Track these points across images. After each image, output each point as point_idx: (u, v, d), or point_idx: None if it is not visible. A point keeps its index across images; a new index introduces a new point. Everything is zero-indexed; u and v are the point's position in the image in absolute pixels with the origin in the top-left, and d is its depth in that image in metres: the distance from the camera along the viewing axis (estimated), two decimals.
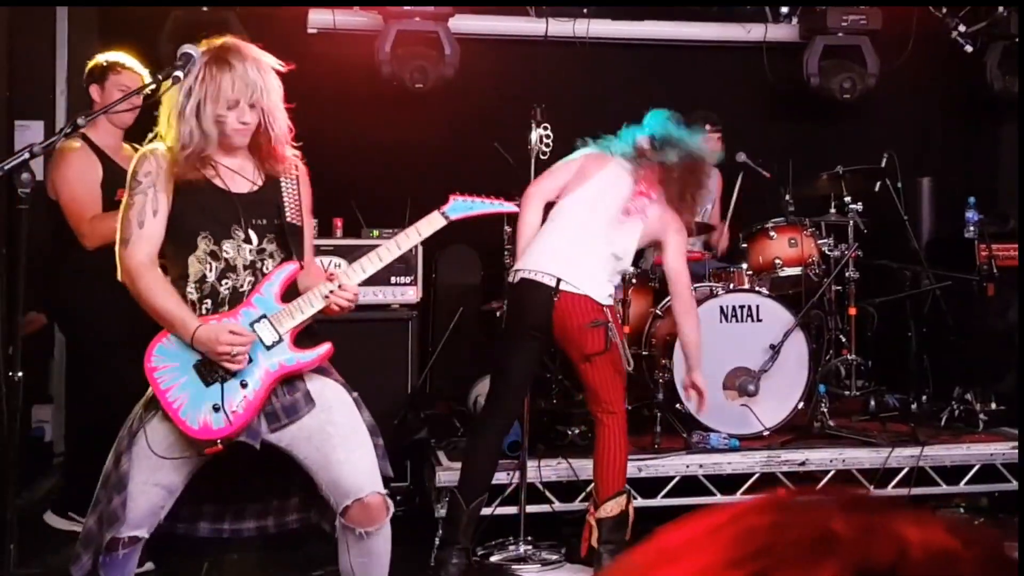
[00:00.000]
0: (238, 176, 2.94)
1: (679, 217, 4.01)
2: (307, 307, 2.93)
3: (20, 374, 2.89)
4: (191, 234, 2.87)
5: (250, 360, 2.85)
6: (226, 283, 2.89)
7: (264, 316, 2.89)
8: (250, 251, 2.92)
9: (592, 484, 3.99)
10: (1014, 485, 4.79)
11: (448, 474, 4.22)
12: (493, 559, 4.13)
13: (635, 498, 4.12)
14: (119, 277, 2.88)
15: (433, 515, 4.23)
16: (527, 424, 4.16)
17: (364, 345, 4.63)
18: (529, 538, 4.15)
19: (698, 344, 4.04)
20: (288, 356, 2.90)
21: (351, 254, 4.65)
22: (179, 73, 2.88)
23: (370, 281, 4.69)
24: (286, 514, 3.09)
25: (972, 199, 5.60)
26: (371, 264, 3.03)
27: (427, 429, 4.53)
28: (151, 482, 2.84)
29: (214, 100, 2.82)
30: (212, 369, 2.83)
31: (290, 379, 2.92)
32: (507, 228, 5.24)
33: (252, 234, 2.92)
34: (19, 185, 2.85)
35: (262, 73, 2.88)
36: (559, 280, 3.78)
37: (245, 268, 2.91)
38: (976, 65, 6.10)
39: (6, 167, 2.80)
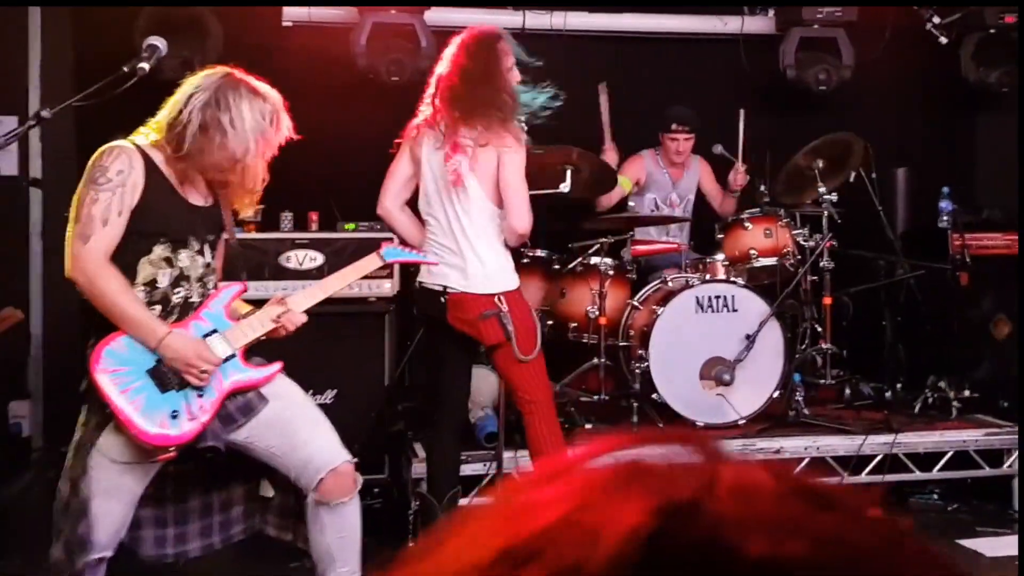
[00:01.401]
0: (196, 189, 2.98)
1: (501, 132, 3.69)
2: (258, 327, 2.98)
3: None
4: (149, 238, 2.86)
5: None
6: (179, 292, 2.90)
7: (215, 330, 2.93)
8: (202, 264, 2.96)
9: None
10: (986, 472, 4.85)
11: (424, 467, 4.24)
12: None
13: None
14: (67, 273, 2.82)
15: (410, 507, 4.25)
16: (503, 415, 4.18)
17: (341, 338, 4.65)
18: None
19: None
20: (241, 372, 2.96)
21: (327, 247, 4.68)
22: (144, 65, 2.89)
23: None
24: (230, 527, 3.13)
25: (946, 189, 5.64)
26: (315, 296, 3.11)
27: (404, 422, 4.55)
28: (112, 500, 2.84)
29: (234, 113, 2.83)
30: (167, 377, 2.83)
31: (246, 388, 2.98)
32: None
33: (204, 248, 2.97)
34: None
35: (281, 113, 2.94)
36: (444, 288, 3.75)
37: (197, 280, 2.95)
38: (951, 56, 6.14)
39: None
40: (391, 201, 3.93)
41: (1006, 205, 5.73)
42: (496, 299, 3.71)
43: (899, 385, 5.39)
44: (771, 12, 6.23)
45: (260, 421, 2.95)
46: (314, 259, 4.69)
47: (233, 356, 2.93)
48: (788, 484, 0.49)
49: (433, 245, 3.80)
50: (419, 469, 4.24)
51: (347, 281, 3.24)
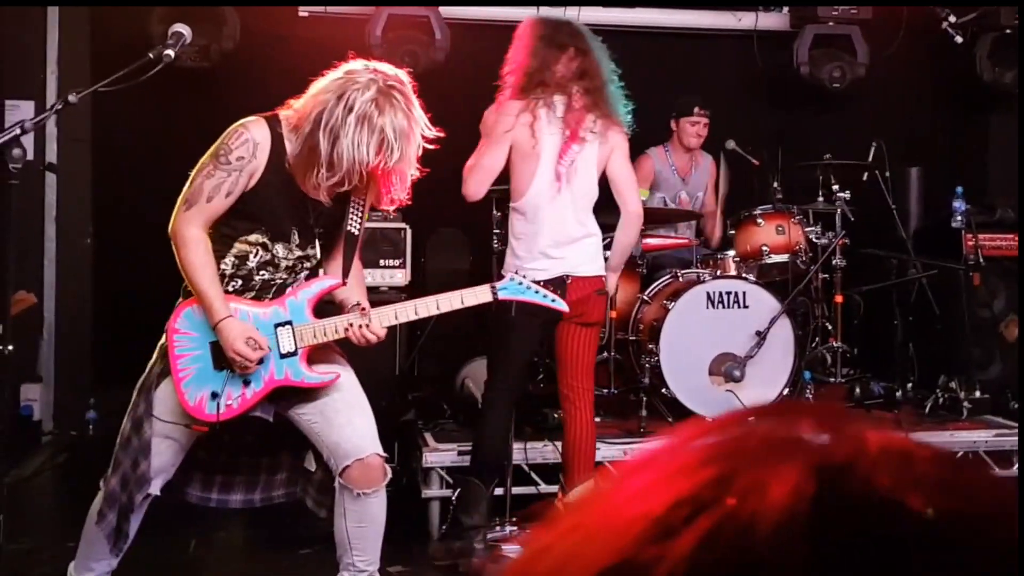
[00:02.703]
0: (319, 186, 2.83)
1: (614, 125, 3.90)
2: (332, 332, 2.95)
3: (11, 347, 2.93)
4: (251, 223, 2.89)
5: (261, 362, 2.89)
6: (263, 274, 2.93)
7: (290, 323, 2.92)
8: (296, 256, 2.95)
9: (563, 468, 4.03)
10: (997, 472, 4.84)
11: (435, 455, 4.26)
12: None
13: None
14: (169, 231, 2.87)
15: (420, 496, 4.26)
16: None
17: None
18: (514, 519, 4.18)
19: (624, 250, 4.09)
20: (296, 371, 2.94)
21: None
22: (170, 52, 2.90)
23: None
24: (273, 488, 3.15)
25: (959, 188, 5.63)
26: (403, 314, 3.04)
27: (414, 411, 4.56)
28: (167, 442, 2.92)
29: (360, 143, 2.72)
30: (226, 356, 2.88)
31: (296, 388, 2.98)
32: (496, 212, 5.27)
33: (304, 239, 2.94)
34: (10, 161, 2.87)
35: (400, 133, 2.77)
36: (567, 275, 3.83)
37: (286, 269, 2.96)
38: (966, 56, 6.12)
39: None
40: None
41: (1019, 205, 5.72)
42: (603, 280, 3.92)
43: (910, 385, 5.38)
44: (785, 9, 6.23)
45: (304, 400, 2.99)
46: None
47: (295, 354, 2.92)
48: (931, 449, 0.52)
49: (530, 237, 3.81)
50: (430, 458, 4.25)
51: (444, 309, 3.08)
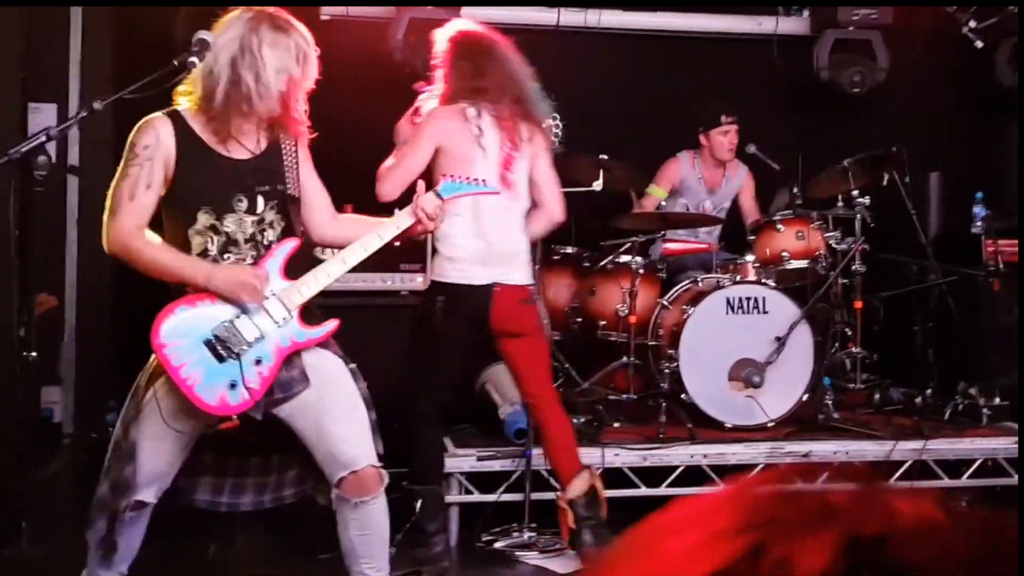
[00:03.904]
0: (241, 142, 2.96)
1: (541, 131, 3.98)
2: (312, 284, 2.97)
3: (34, 354, 2.94)
4: (192, 208, 2.90)
5: (262, 337, 2.90)
6: (228, 258, 2.93)
7: (272, 293, 2.93)
8: (252, 222, 2.95)
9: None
10: (1015, 480, 4.82)
11: (454, 461, 4.26)
12: (497, 545, 4.17)
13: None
14: (106, 249, 2.91)
15: (443, 509, 4.25)
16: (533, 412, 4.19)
17: (372, 331, 4.66)
18: (533, 525, 4.18)
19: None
20: (298, 331, 2.95)
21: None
22: (195, 59, 2.90)
23: (379, 267, 4.75)
24: (282, 488, 3.14)
25: (980, 194, 5.60)
26: (371, 244, 3.08)
27: None
28: (157, 447, 2.91)
29: (260, 62, 2.85)
30: (225, 345, 2.88)
31: (289, 355, 2.96)
32: None
33: (253, 202, 2.95)
34: (35, 168, 2.88)
35: (308, 46, 2.95)
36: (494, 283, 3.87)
37: (246, 242, 2.95)
38: (986, 61, 6.09)
39: (23, 150, 2.83)
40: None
41: None
42: (532, 288, 3.91)
43: (929, 391, 5.35)
44: (806, 13, 6.21)
45: (299, 403, 2.95)
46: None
47: (291, 317, 2.93)
48: (962, 519, 0.52)
49: (469, 239, 3.81)
50: (450, 464, 4.25)
51: (390, 235, 3.13)
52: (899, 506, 0.52)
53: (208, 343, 2.87)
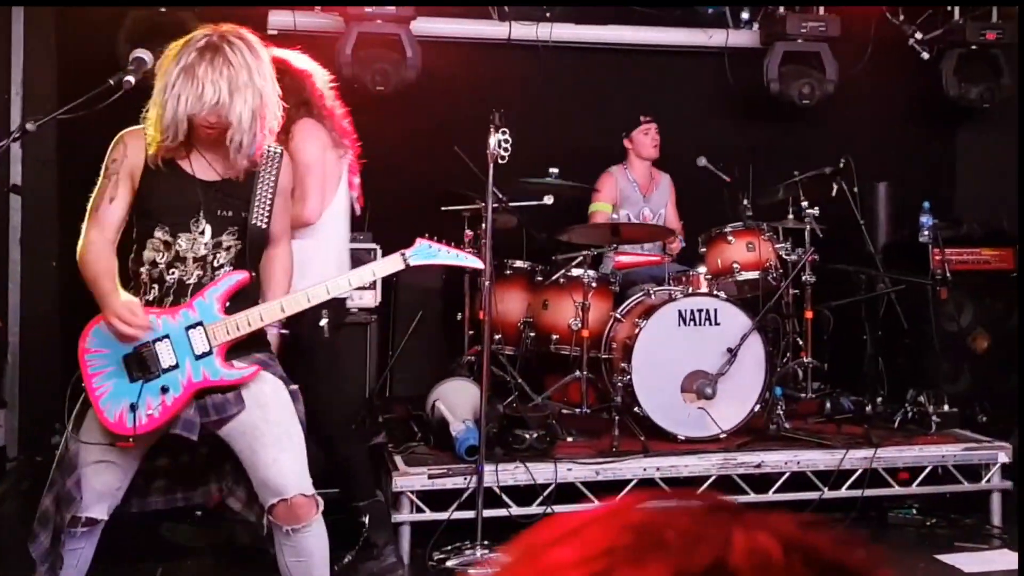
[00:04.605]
0: (211, 164, 2.94)
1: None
2: (244, 324, 2.92)
3: None
4: (151, 222, 2.91)
5: (176, 366, 2.87)
6: (173, 273, 2.91)
7: (200, 323, 2.89)
8: (205, 245, 2.92)
9: None
10: (965, 487, 4.88)
11: (405, 479, 4.23)
12: (450, 564, 4.14)
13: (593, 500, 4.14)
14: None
15: (390, 519, 4.23)
16: (484, 428, 4.18)
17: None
18: (485, 542, 4.16)
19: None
20: (214, 370, 2.90)
21: None
22: (130, 79, 2.87)
23: None
24: (233, 494, 3.10)
25: (927, 204, 5.69)
26: (315, 296, 3.02)
27: (384, 433, 4.53)
28: (102, 461, 2.88)
29: (189, 95, 2.78)
30: (140, 365, 2.86)
31: (217, 388, 2.93)
32: (467, 232, 5.26)
33: (211, 226, 2.92)
34: None
35: (233, 85, 2.78)
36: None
37: (195, 261, 2.92)
38: (932, 72, 6.19)
39: None
40: None
41: (985, 220, 5.78)
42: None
43: (879, 399, 5.41)
44: (756, 26, 6.27)
45: (234, 425, 2.91)
46: None
47: (210, 353, 2.89)
48: (798, 552, 0.52)
49: (326, 263, 3.76)
50: (400, 482, 4.22)
51: (357, 282, 3.15)
52: (734, 539, 0.52)
53: (126, 359, 2.85)
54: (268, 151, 2.97)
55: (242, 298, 2.96)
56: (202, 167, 2.93)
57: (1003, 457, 4.84)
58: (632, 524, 0.55)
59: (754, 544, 0.52)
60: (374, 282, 4.78)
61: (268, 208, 2.98)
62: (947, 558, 4.35)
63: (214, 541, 4.21)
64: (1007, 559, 4.37)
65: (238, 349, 2.95)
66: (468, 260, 3.29)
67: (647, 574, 0.50)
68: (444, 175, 4.93)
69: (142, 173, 2.88)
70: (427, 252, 3.16)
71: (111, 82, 2.92)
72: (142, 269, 2.92)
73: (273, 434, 2.92)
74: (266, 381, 2.97)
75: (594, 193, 5.69)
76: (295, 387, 3.03)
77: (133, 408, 2.82)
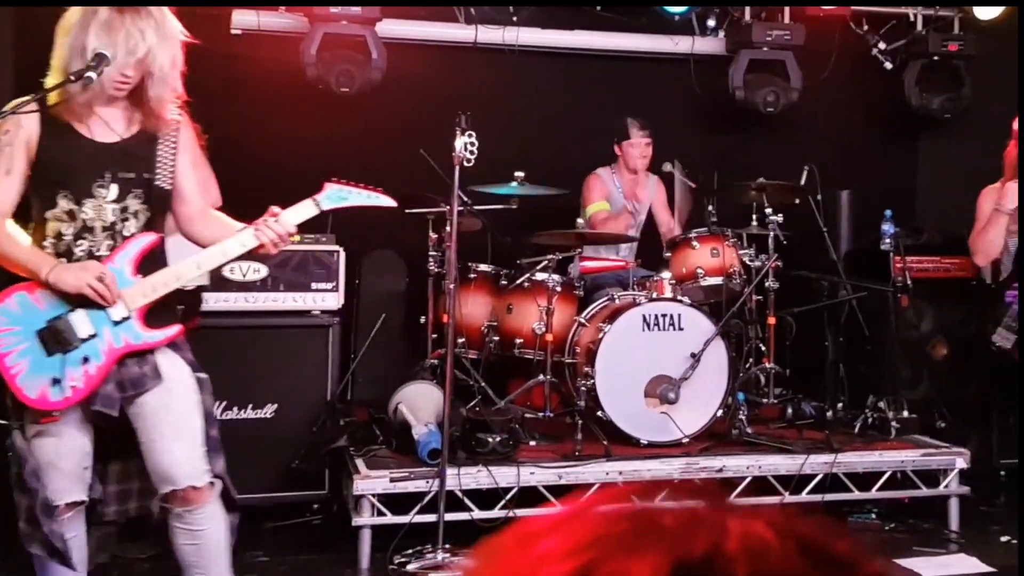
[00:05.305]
0: (109, 125, 2.88)
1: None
2: (160, 287, 2.88)
3: None
4: (51, 190, 2.83)
5: (95, 335, 2.82)
6: (82, 244, 2.84)
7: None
8: (112, 211, 2.86)
9: None
10: (924, 492, 4.93)
11: (366, 483, 4.20)
12: (411, 568, 4.11)
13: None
14: None
15: (350, 523, 4.20)
16: (447, 432, 4.15)
17: (282, 351, 4.58)
18: (447, 546, 4.14)
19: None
20: (135, 334, 2.85)
21: (271, 259, 4.59)
22: (92, 75, 2.82)
23: (290, 286, 4.67)
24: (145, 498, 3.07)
25: (889, 212, 5.75)
26: (236, 250, 2.96)
27: (346, 437, 4.49)
28: (59, 453, 2.83)
29: (119, 47, 2.76)
30: (56, 339, 2.79)
31: (141, 351, 2.88)
32: (432, 234, 5.24)
33: (116, 189, 2.86)
34: None
35: (158, 34, 2.80)
36: None
37: (104, 230, 2.85)
38: (895, 82, 6.27)
39: None
40: None
41: (946, 228, 5.86)
42: None
43: (840, 405, 5.46)
44: (721, 34, 6.31)
45: (145, 401, 2.87)
46: (257, 271, 4.62)
47: (129, 317, 2.84)
48: (793, 540, 0.52)
49: None
50: (361, 486, 4.19)
51: (271, 235, 2.93)
52: (729, 526, 0.52)
53: (40, 334, 2.79)
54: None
55: (152, 261, 2.90)
56: (101, 129, 2.88)
57: (960, 463, 4.89)
58: (628, 512, 0.54)
59: (749, 531, 0.51)
60: (336, 285, 4.73)
61: (171, 168, 2.93)
62: (906, 562, 4.38)
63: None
64: (965, 563, 4.42)
65: (153, 323, 2.89)
66: (381, 199, 3.12)
67: (644, 560, 0.49)
68: (408, 178, 4.90)
69: (38, 142, 2.82)
70: (338, 195, 3.06)
71: (72, 77, 2.86)
72: (46, 243, 2.83)
73: (170, 421, 2.89)
74: (176, 366, 2.94)
75: (585, 194, 5.69)
76: (204, 375, 3.00)
77: (56, 382, 2.77)
